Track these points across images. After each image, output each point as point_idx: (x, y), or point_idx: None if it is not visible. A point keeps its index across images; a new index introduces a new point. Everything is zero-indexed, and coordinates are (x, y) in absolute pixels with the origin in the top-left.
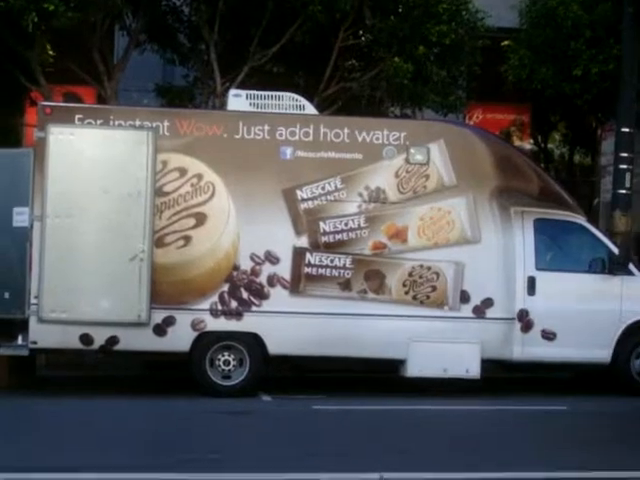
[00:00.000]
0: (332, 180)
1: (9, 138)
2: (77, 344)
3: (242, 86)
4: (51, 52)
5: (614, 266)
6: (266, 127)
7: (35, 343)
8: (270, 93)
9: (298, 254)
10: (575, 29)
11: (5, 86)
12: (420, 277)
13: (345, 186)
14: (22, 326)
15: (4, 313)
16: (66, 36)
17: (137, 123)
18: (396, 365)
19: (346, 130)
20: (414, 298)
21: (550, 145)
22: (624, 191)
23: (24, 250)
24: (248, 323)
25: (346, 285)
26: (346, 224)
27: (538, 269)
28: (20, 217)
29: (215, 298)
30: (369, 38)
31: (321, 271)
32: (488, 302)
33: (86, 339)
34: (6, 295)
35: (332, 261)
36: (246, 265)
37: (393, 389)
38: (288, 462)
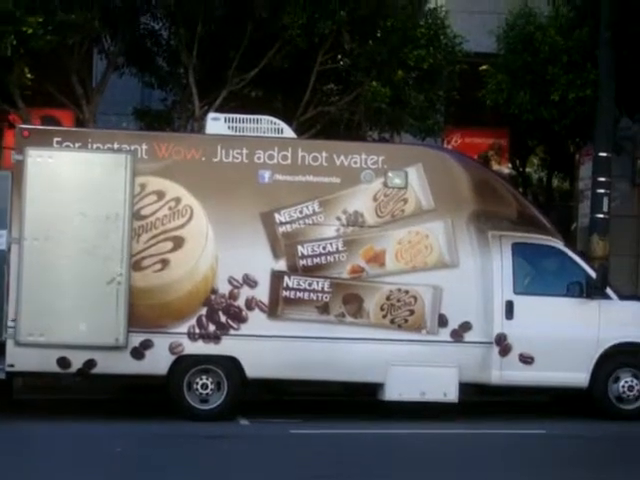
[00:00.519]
0: (310, 204)
1: None
2: (54, 367)
3: (221, 110)
4: (29, 75)
5: (592, 290)
6: (244, 151)
7: (12, 366)
8: (249, 117)
9: (276, 278)
10: (552, 54)
11: None
12: (398, 301)
13: (323, 210)
14: None
15: None
16: (44, 59)
17: (115, 146)
18: (374, 389)
19: (324, 154)
20: (392, 322)
21: (528, 169)
22: (602, 215)
23: (1, 273)
24: (226, 347)
25: (324, 309)
26: (324, 248)
27: (516, 293)
28: None
29: (193, 321)
30: (347, 62)
31: (299, 295)
32: (466, 326)
33: (63, 362)
34: None
35: (310, 285)
36: (224, 289)
37: (371, 413)
38: None
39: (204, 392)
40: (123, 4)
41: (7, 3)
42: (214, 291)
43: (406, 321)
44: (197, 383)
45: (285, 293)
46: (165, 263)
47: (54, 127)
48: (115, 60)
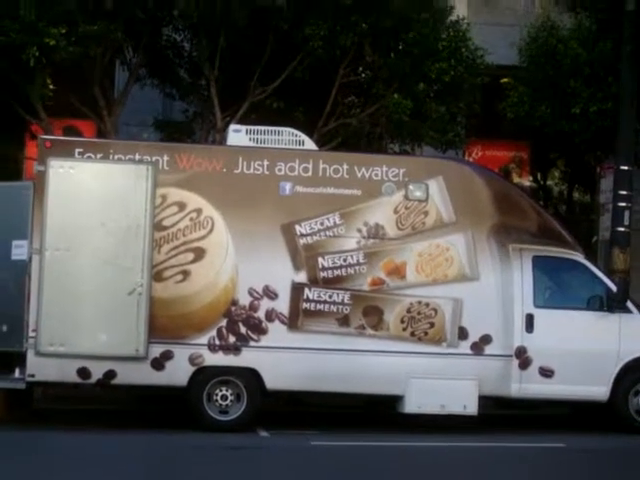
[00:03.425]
0: (331, 216)
1: (9, 171)
2: (75, 378)
3: (242, 121)
4: (51, 86)
5: (612, 304)
6: (265, 162)
7: (32, 376)
8: (270, 128)
9: (296, 289)
10: (574, 67)
11: (5, 119)
12: (418, 313)
13: (344, 222)
14: (20, 359)
15: (2, 346)
16: (67, 70)
17: (137, 157)
18: (394, 401)
19: (345, 166)
20: (412, 334)
21: (549, 182)
22: (623, 229)
23: (22, 283)
24: (246, 358)
25: (344, 321)
26: (345, 260)
27: (536, 306)
28: (19, 250)
29: (213, 333)
30: (369, 75)
31: (319, 307)
32: (486, 339)
33: (84, 373)
34: (4, 328)
35: (330, 297)
36: (244, 300)
37: (390, 425)
38: None
39: (224, 403)
40: (145, 16)
41: (30, 15)
42: (234, 302)
43: (426, 334)
44: (217, 394)
45: (305, 305)
46: (186, 274)
47: (76, 138)
48: (137, 71)
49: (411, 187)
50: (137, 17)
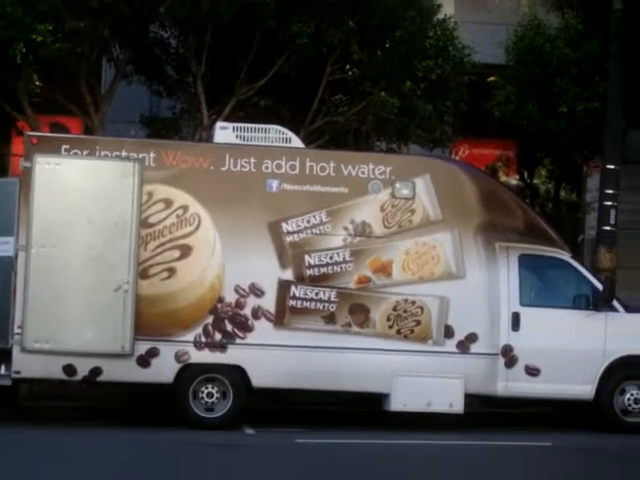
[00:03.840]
0: (318, 213)
1: None
2: (60, 374)
3: (229, 119)
4: (38, 82)
5: (598, 302)
6: (252, 160)
7: (18, 373)
8: (257, 126)
9: (283, 287)
10: (561, 66)
11: None
12: (404, 311)
13: (330, 219)
14: (5, 356)
15: None
16: (53, 67)
17: (123, 154)
18: (379, 399)
19: (332, 164)
20: (398, 332)
21: (536, 181)
22: (609, 228)
23: (8, 280)
24: (232, 355)
25: (330, 318)
26: (331, 257)
27: (522, 305)
28: (4, 247)
29: (199, 330)
30: (356, 72)
31: (306, 304)
32: (472, 337)
33: (69, 370)
34: None
35: (317, 294)
36: (231, 297)
37: (376, 423)
38: None
39: (210, 401)
40: (132, 13)
41: (17, 11)
42: (220, 300)
43: (412, 332)
44: (203, 392)
45: (292, 302)
46: (172, 271)
47: (62, 135)
48: (124, 68)
49: (398, 185)
50: (124, 14)
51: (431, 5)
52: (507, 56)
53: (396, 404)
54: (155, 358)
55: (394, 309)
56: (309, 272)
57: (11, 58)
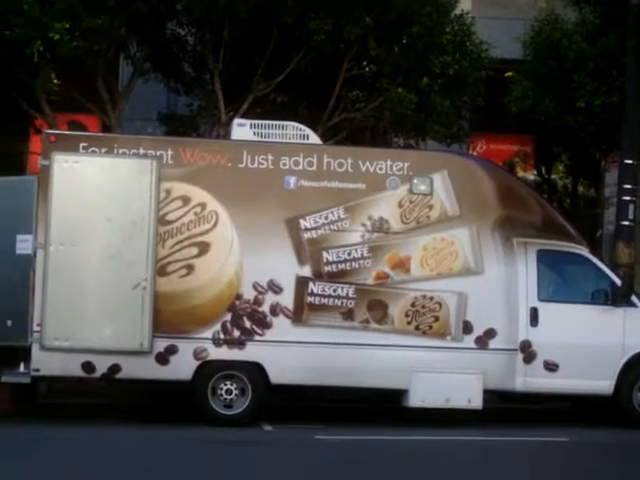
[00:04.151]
0: (335, 210)
1: (13, 165)
2: (79, 372)
3: (246, 115)
4: (56, 81)
5: (617, 298)
6: (270, 156)
7: (37, 371)
8: (274, 122)
9: (301, 283)
10: (578, 61)
11: (10, 114)
12: (423, 307)
13: (348, 216)
14: (24, 353)
15: (7, 340)
16: (71, 65)
17: (141, 152)
18: (398, 395)
19: (350, 160)
20: (416, 328)
21: (553, 176)
22: (627, 223)
23: (27, 277)
24: (250, 352)
25: (349, 315)
26: (349, 254)
27: (541, 300)
28: (23, 244)
29: (218, 327)
30: (373, 69)
31: (324, 301)
32: (491, 333)
33: (88, 367)
34: (9, 323)
35: (335, 291)
36: (249, 294)
37: (396, 419)
38: None
39: (228, 397)
40: (149, 10)
41: (34, 10)
42: (239, 297)
43: (431, 327)
44: (221, 388)
45: (310, 299)
46: (190, 268)
47: (80, 132)
48: (141, 66)
49: (415, 181)
50: (140, 11)
51: (448, 1)
52: (524, 51)
53: (415, 400)
54: (174, 355)
55: (412, 305)
56: (327, 268)
57: (28, 57)
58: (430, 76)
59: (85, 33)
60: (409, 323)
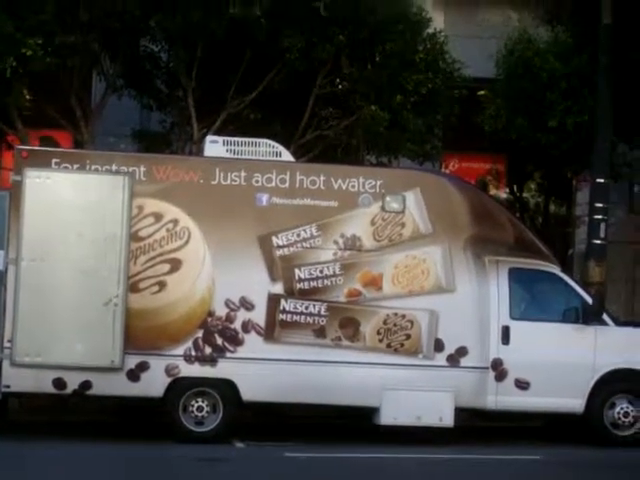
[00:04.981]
0: (308, 227)
1: None
2: (50, 388)
3: (219, 132)
4: (28, 96)
5: (588, 316)
6: (242, 173)
7: (8, 387)
8: (247, 140)
9: (273, 300)
10: (551, 80)
11: None
12: (394, 325)
13: (321, 233)
14: None
15: None
16: (43, 80)
17: (114, 168)
18: (370, 412)
19: (322, 177)
20: (388, 346)
21: (525, 194)
22: (599, 241)
23: None
24: (222, 369)
25: (320, 332)
26: (321, 271)
27: (512, 318)
28: None
29: (189, 344)
30: (346, 86)
31: (296, 318)
32: (462, 351)
33: (59, 383)
34: None
35: (307, 308)
36: (221, 311)
37: (366, 437)
38: None
39: (200, 414)
40: (122, 26)
41: (7, 26)
42: (211, 314)
43: (402, 345)
44: (193, 405)
45: (282, 316)
46: (162, 285)
47: (53, 148)
48: (114, 82)
49: (388, 199)
50: (114, 28)
51: (421, 19)
52: (497, 70)
53: (386, 418)
54: (145, 372)
55: (384, 323)
56: (299, 286)
57: (1, 72)
58: (403, 94)
59: (58, 49)
60: (381, 341)
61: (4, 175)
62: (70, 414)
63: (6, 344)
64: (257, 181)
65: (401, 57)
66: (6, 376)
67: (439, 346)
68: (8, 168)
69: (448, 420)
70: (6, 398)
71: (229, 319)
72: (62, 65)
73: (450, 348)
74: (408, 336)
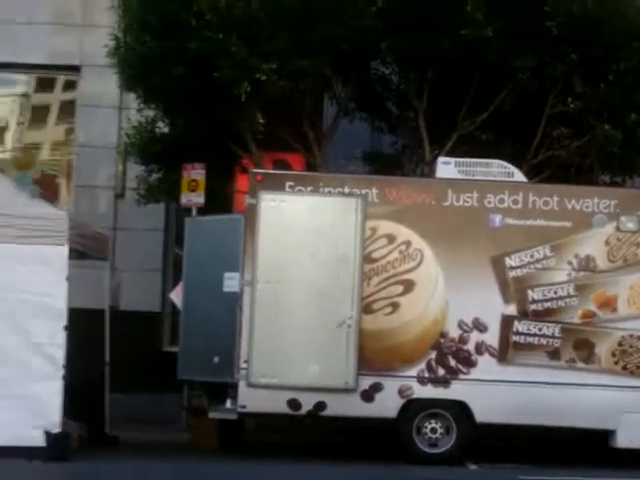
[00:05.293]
0: (541, 248)
1: (221, 204)
2: (285, 409)
3: (450, 154)
4: (262, 120)
5: None
6: (475, 194)
7: (244, 407)
8: (479, 160)
9: (506, 322)
10: None
11: (217, 154)
12: (630, 347)
13: (554, 254)
14: (231, 390)
15: (214, 377)
16: (276, 104)
17: (346, 190)
18: (605, 435)
19: (555, 198)
20: (624, 368)
21: None
22: None
23: (234, 315)
24: (455, 391)
25: (554, 354)
26: (555, 292)
27: None
28: (230, 282)
29: (422, 365)
30: (579, 105)
31: (529, 339)
32: None
33: (294, 404)
34: (216, 359)
35: (540, 329)
36: (454, 332)
37: (602, 460)
38: None
39: (433, 436)
40: (353, 50)
41: (242, 51)
42: (444, 335)
43: (638, 367)
44: (426, 427)
45: (515, 338)
46: (395, 306)
47: (286, 171)
48: (346, 105)
49: (623, 219)
50: (345, 51)
51: None
52: None
53: (622, 441)
54: (379, 393)
55: (619, 344)
56: (532, 307)
57: (236, 97)
58: (638, 112)
59: (291, 73)
60: (616, 363)
61: (239, 198)
62: (302, 434)
63: (242, 365)
64: (490, 202)
65: (635, 75)
66: (242, 397)
67: None
68: (242, 191)
69: None
70: (242, 418)
71: (462, 340)
72: (295, 89)
73: None
74: None
